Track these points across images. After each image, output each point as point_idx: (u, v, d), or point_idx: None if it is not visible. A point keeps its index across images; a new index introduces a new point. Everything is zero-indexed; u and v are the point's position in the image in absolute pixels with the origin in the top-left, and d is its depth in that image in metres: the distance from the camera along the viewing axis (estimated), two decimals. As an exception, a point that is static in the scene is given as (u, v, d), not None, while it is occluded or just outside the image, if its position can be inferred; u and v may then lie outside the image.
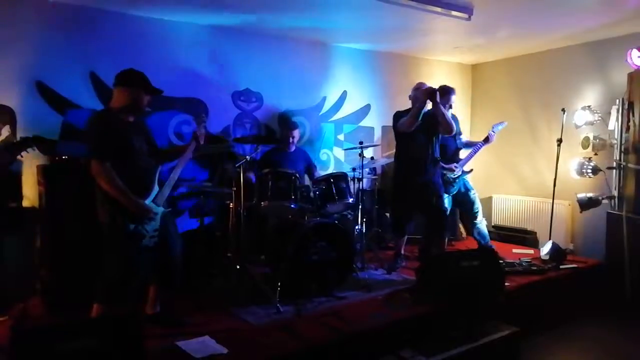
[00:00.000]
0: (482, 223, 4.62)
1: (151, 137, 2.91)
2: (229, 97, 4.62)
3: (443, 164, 4.30)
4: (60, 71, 3.74)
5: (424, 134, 3.94)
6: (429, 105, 3.86)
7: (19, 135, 3.49)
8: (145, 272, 2.80)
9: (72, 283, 3.11)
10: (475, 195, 4.60)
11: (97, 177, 2.55)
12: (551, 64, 5.38)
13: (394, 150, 4.27)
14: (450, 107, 4.35)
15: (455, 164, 4.44)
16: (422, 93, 3.79)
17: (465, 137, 4.79)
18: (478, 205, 4.59)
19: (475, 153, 4.58)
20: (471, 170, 4.58)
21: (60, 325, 2.14)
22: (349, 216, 4.46)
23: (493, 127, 4.61)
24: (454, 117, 4.48)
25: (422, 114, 3.82)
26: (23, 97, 3.60)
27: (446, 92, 4.27)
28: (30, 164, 3.47)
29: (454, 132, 3.97)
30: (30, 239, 3.38)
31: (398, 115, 4.05)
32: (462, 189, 4.56)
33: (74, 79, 3.80)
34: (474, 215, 4.59)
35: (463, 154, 4.69)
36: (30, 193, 3.48)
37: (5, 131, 3.45)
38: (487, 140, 4.56)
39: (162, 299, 2.99)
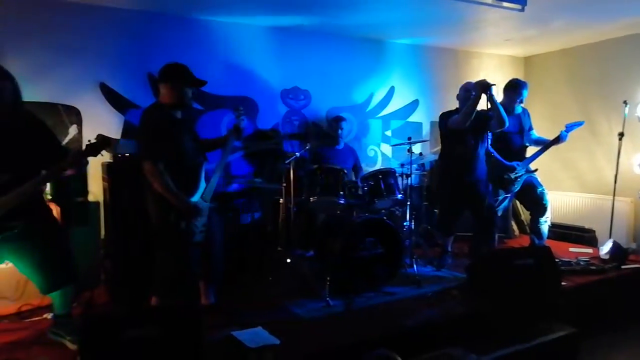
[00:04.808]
0: (546, 222, 4.44)
1: (197, 133, 2.98)
2: (278, 95, 4.72)
3: (505, 162, 4.18)
4: (121, 73, 3.96)
5: (472, 131, 3.84)
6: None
7: (85, 134, 3.71)
8: (195, 266, 2.89)
9: (133, 274, 3.28)
10: (544, 192, 4.38)
11: (149, 177, 2.63)
12: (611, 54, 5.12)
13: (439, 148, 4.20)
14: (521, 102, 4.21)
15: (517, 162, 4.23)
16: (476, 87, 3.67)
17: (536, 133, 4.52)
18: (547, 202, 4.39)
19: (542, 152, 4.33)
20: (536, 169, 4.35)
21: (126, 313, 2.26)
22: (397, 212, 4.44)
23: (567, 127, 4.28)
24: (525, 111, 4.36)
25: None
26: (88, 98, 3.84)
27: (517, 86, 4.14)
28: (95, 162, 3.68)
29: (506, 126, 3.83)
30: (96, 232, 3.59)
31: (446, 115, 3.98)
32: (529, 186, 4.34)
33: (134, 80, 4.01)
34: (540, 212, 4.40)
35: (530, 151, 4.46)
36: (95, 188, 3.69)
37: (73, 130, 3.69)
38: (558, 140, 4.26)
39: (217, 291, 3.10)
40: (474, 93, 3.69)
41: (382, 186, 3.78)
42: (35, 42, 3.64)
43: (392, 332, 2.83)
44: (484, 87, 3.61)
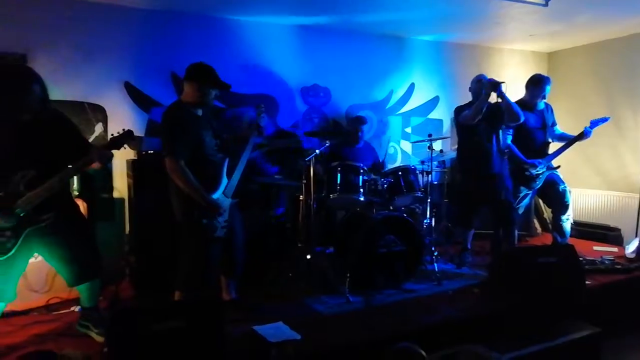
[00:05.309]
0: (568, 220, 4.36)
1: (218, 130, 3.01)
2: (298, 93, 4.74)
3: (525, 159, 4.14)
4: (145, 72, 4.03)
5: (487, 125, 3.89)
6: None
7: (110, 132, 3.79)
8: (217, 261, 2.93)
9: (157, 269, 3.35)
10: (566, 189, 4.29)
11: (171, 174, 2.68)
12: (637, 48, 4.99)
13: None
14: (544, 97, 4.17)
15: (539, 160, 4.16)
16: (486, 86, 3.73)
17: (560, 129, 4.42)
18: (568, 200, 4.30)
19: (565, 149, 4.24)
20: (558, 166, 4.27)
21: (151, 307, 2.31)
22: (417, 210, 4.42)
23: (591, 123, 4.18)
24: (548, 106, 4.32)
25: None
26: (113, 97, 3.92)
27: (540, 81, 4.09)
28: (120, 159, 3.77)
29: (521, 121, 3.81)
30: (121, 227, 3.67)
31: (459, 110, 4.03)
32: (551, 183, 4.26)
33: (157, 79, 4.08)
34: (562, 210, 4.31)
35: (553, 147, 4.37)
36: (120, 185, 3.78)
37: (99, 128, 3.79)
38: (582, 136, 4.16)
39: (238, 286, 3.14)
40: (484, 91, 3.71)
41: (402, 183, 3.76)
42: (62, 43, 3.73)
43: (412, 328, 2.83)
44: (493, 85, 3.67)
